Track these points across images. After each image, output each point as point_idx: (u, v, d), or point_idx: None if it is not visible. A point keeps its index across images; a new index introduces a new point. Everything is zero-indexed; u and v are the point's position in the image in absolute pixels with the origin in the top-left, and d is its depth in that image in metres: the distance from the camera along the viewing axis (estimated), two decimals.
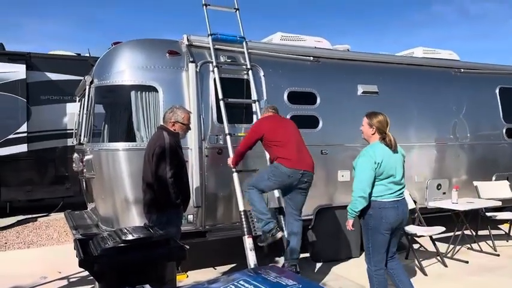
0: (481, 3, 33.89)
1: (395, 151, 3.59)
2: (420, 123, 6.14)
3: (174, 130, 3.87)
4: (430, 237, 5.31)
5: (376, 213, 3.49)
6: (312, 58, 5.63)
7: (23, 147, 8.35)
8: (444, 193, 6.17)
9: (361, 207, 3.47)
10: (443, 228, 5.25)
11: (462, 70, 6.70)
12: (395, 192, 3.53)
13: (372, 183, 3.48)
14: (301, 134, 4.48)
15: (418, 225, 5.54)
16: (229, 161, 4.55)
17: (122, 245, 2.59)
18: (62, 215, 7.51)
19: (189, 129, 4.08)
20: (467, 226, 5.80)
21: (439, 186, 6.14)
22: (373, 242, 3.56)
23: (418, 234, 5.21)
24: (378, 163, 3.47)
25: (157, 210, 3.71)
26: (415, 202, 5.64)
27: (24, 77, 8.42)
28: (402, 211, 3.57)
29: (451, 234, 5.69)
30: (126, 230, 2.87)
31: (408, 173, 5.89)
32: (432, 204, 5.91)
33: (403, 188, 3.61)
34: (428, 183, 6.08)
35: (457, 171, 6.41)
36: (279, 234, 4.16)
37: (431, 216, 6.08)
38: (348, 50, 6.36)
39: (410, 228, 5.30)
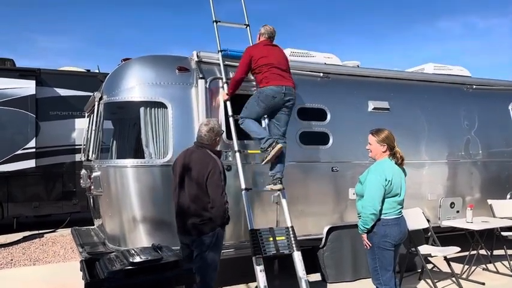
0: (488, 18, 33.88)
1: (402, 167, 3.65)
2: (432, 140, 6.03)
3: (217, 145, 3.86)
4: (445, 257, 5.16)
5: (379, 231, 3.52)
6: (322, 74, 5.58)
7: (31, 163, 8.34)
8: (458, 212, 6.02)
9: (371, 224, 3.51)
10: (458, 249, 5.09)
11: (474, 86, 6.61)
12: (397, 210, 3.59)
13: (382, 200, 3.50)
14: (288, 62, 4.74)
15: (432, 244, 5.39)
16: (222, 94, 4.79)
17: (129, 267, 2.51)
18: (68, 231, 7.45)
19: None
20: (483, 246, 5.65)
21: (452, 205, 6.00)
22: (380, 260, 3.54)
23: (433, 255, 5.06)
24: (389, 180, 3.51)
25: (209, 230, 3.55)
26: (428, 221, 5.49)
27: (34, 92, 8.47)
28: (404, 227, 3.64)
29: (466, 253, 5.54)
30: (133, 251, 2.80)
31: (421, 191, 5.86)
32: (446, 223, 5.76)
33: (402, 207, 3.66)
34: (442, 201, 5.94)
35: (470, 189, 6.27)
36: (278, 146, 4.40)
37: (445, 236, 5.93)
38: (358, 66, 6.32)
39: (424, 248, 5.16)
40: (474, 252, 5.56)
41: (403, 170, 3.71)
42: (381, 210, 3.51)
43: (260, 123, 4.73)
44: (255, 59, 4.58)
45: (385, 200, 3.52)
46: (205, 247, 3.50)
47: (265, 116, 4.76)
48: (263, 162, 4.50)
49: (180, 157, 3.79)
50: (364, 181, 3.63)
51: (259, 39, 4.83)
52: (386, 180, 3.49)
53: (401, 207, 3.63)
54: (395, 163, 3.63)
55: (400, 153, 3.64)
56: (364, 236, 3.60)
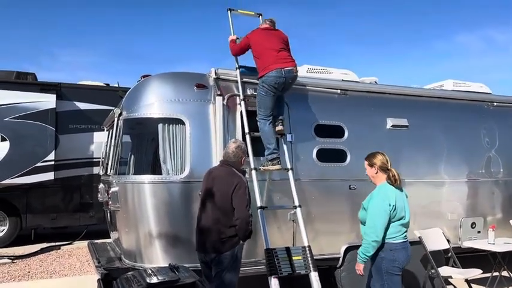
0: (508, 33, 33.41)
1: (400, 188, 3.66)
2: (452, 158, 5.91)
3: (242, 165, 3.91)
4: (466, 279, 5.02)
5: (388, 256, 3.51)
6: (339, 91, 5.54)
7: (49, 175, 8.47)
8: (479, 232, 5.86)
9: (372, 252, 3.51)
10: (480, 271, 4.97)
11: (495, 103, 6.50)
12: (403, 233, 3.58)
13: (388, 224, 3.50)
14: (287, 43, 4.84)
15: (453, 266, 5.26)
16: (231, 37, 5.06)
17: None
18: (85, 243, 7.50)
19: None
20: (505, 268, 5.49)
21: (473, 225, 5.85)
22: (389, 286, 3.51)
23: (453, 277, 4.93)
24: (393, 205, 3.53)
25: (228, 249, 3.61)
26: (448, 241, 5.38)
27: (54, 106, 8.64)
28: (410, 251, 3.64)
29: (488, 275, 5.39)
30: (150, 271, 2.79)
31: (440, 210, 5.75)
32: (467, 244, 5.62)
33: (407, 229, 3.65)
34: (462, 221, 5.80)
35: (492, 209, 6.12)
36: (277, 167, 4.56)
37: (466, 256, 5.78)
38: (376, 82, 6.27)
39: (445, 270, 5.04)
40: (496, 274, 5.41)
41: (404, 193, 3.72)
42: (385, 235, 3.50)
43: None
44: (252, 45, 4.77)
45: (391, 224, 3.52)
46: (224, 265, 3.53)
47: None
48: (261, 168, 4.63)
49: (207, 174, 3.89)
50: (367, 207, 3.62)
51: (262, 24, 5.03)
52: (390, 205, 3.49)
53: (406, 230, 3.62)
54: (391, 184, 3.63)
55: (394, 173, 3.64)
56: (361, 266, 3.57)
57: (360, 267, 3.59)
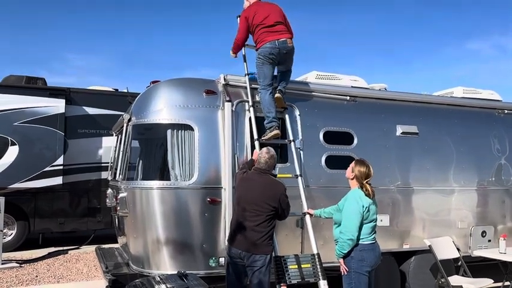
0: None
1: (374, 200, 3.82)
2: (462, 165, 5.85)
3: (274, 169, 4.18)
4: None
5: (357, 255, 3.69)
6: (348, 97, 5.52)
7: (58, 180, 8.49)
8: (489, 241, 5.80)
9: (348, 250, 3.68)
10: (491, 281, 4.90)
11: (506, 111, 6.43)
12: (372, 235, 3.77)
13: (360, 226, 3.67)
14: (280, 14, 4.87)
15: (463, 275, 5.19)
16: (231, 52, 5.08)
17: None
18: (92, 248, 7.52)
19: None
20: None
21: (483, 234, 5.78)
22: (355, 285, 3.66)
23: (464, 287, 4.85)
24: (366, 207, 3.70)
25: (266, 251, 3.84)
26: (458, 250, 5.31)
27: (63, 111, 8.69)
28: (379, 252, 3.82)
29: (499, 284, 5.30)
30: (159, 279, 2.77)
31: (450, 219, 5.68)
32: (477, 253, 5.55)
33: (376, 232, 3.84)
34: (473, 229, 5.73)
35: (502, 218, 6.03)
36: (275, 132, 4.67)
37: (475, 265, 5.70)
38: (385, 89, 6.23)
39: (455, 279, 4.97)
40: (508, 283, 5.33)
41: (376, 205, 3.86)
42: (358, 235, 3.68)
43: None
44: (249, 19, 4.84)
45: (363, 225, 3.70)
46: (259, 265, 3.76)
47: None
48: (262, 138, 4.73)
49: (243, 179, 4.06)
50: (342, 208, 3.81)
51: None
52: (363, 207, 3.68)
53: (375, 233, 3.81)
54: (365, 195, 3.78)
55: (367, 188, 3.77)
56: (342, 261, 3.75)
57: (341, 262, 3.74)
